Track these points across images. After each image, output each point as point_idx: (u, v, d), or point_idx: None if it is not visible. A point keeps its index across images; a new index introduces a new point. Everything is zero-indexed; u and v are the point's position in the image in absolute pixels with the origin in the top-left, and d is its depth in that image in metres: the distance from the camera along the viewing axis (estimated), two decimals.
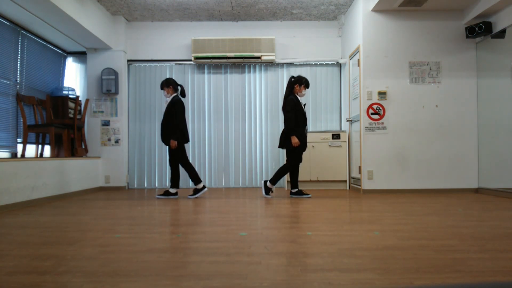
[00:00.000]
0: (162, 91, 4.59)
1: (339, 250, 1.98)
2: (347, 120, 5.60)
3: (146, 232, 2.50)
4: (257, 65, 6.09)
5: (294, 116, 4.33)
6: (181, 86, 4.60)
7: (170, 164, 4.51)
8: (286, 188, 5.63)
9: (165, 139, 4.45)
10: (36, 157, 4.99)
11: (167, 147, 4.53)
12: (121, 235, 2.40)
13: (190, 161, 5.93)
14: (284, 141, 4.44)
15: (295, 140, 4.31)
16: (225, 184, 6.08)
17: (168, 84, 4.51)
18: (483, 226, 2.62)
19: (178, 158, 4.47)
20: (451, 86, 4.95)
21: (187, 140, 4.50)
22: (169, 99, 4.50)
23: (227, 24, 6.03)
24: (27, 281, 1.53)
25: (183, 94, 4.58)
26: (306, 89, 4.50)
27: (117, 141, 5.75)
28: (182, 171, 4.81)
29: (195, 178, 4.49)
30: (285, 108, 4.41)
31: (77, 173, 4.99)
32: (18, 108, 4.82)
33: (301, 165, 4.89)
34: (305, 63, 6.05)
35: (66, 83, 6.14)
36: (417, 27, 4.95)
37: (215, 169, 6.07)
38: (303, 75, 5.82)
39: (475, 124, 4.94)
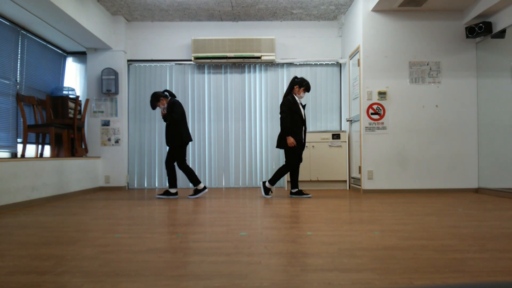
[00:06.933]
0: (158, 108, 4.55)
1: (339, 250, 1.98)
2: (347, 120, 5.60)
3: (146, 232, 2.50)
4: (257, 65, 6.09)
5: (288, 116, 4.33)
6: (167, 90, 4.58)
7: (166, 164, 4.50)
8: (286, 188, 5.63)
9: (169, 141, 4.46)
10: (36, 157, 4.99)
11: (168, 147, 4.53)
12: (121, 235, 2.40)
13: (190, 161, 5.96)
14: (280, 141, 4.45)
15: (290, 140, 4.31)
16: (225, 184, 6.08)
17: (157, 97, 4.45)
18: (483, 226, 2.62)
19: (178, 160, 4.47)
20: (451, 86, 4.94)
21: (190, 139, 4.50)
22: (166, 106, 4.48)
23: (227, 24, 6.02)
24: (27, 281, 1.53)
25: (172, 94, 4.57)
26: (306, 92, 4.49)
27: (117, 141, 5.75)
28: (178, 170, 4.78)
29: (194, 180, 4.49)
30: (280, 108, 4.43)
31: (77, 173, 4.99)
32: (18, 108, 4.82)
33: (301, 165, 4.89)
34: (305, 63, 6.05)
35: (66, 83, 6.14)
36: (417, 27, 4.95)
37: (215, 169, 6.07)
38: (303, 75, 5.85)
39: (475, 124, 4.94)
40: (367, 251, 1.94)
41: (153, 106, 4.49)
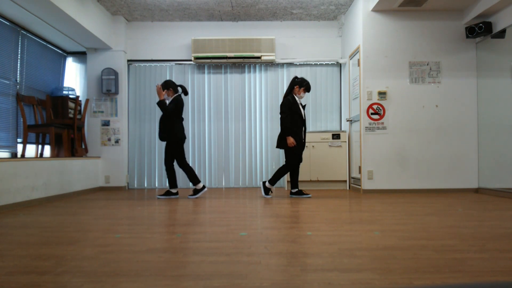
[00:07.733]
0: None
1: (339, 250, 1.98)
2: (347, 120, 5.60)
3: (146, 232, 2.50)
4: (257, 65, 6.09)
5: (288, 116, 4.33)
6: (181, 86, 4.58)
7: (165, 164, 4.50)
8: (286, 188, 5.63)
9: (165, 136, 4.45)
10: (36, 157, 4.99)
11: (165, 147, 4.52)
12: (121, 235, 2.40)
13: (190, 161, 5.96)
14: (280, 142, 4.45)
15: (290, 140, 4.31)
16: (225, 184, 6.08)
17: (167, 86, 4.48)
18: (483, 226, 2.62)
19: (178, 158, 4.47)
20: (451, 86, 4.94)
21: (184, 136, 4.50)
22: (170, 99, 4.49)
23: (227, 24, 6.02)
24: (27, 281, 1.53)
25: (185, 92, 4.57)
26: (306, 92, 4.49)
27: (117, 141, 5.75)
28: (178, 169, 4.77)
29: (194, 179, 4.49)
30: (280, 108, 4.43)
31: (77, 173, 4.99)
32: (18, 108, 4.82)
33: (301, 165, 4.89)
34: (305, 63, 6.05)
35: (66, 83, 6.14)
36: (417, 27, 4.95)
37: (215, 169, 6.07)
38: (303, 75, 5.85)
39: (475, 124, 4.94)
40: (367, 251, 1.94)
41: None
